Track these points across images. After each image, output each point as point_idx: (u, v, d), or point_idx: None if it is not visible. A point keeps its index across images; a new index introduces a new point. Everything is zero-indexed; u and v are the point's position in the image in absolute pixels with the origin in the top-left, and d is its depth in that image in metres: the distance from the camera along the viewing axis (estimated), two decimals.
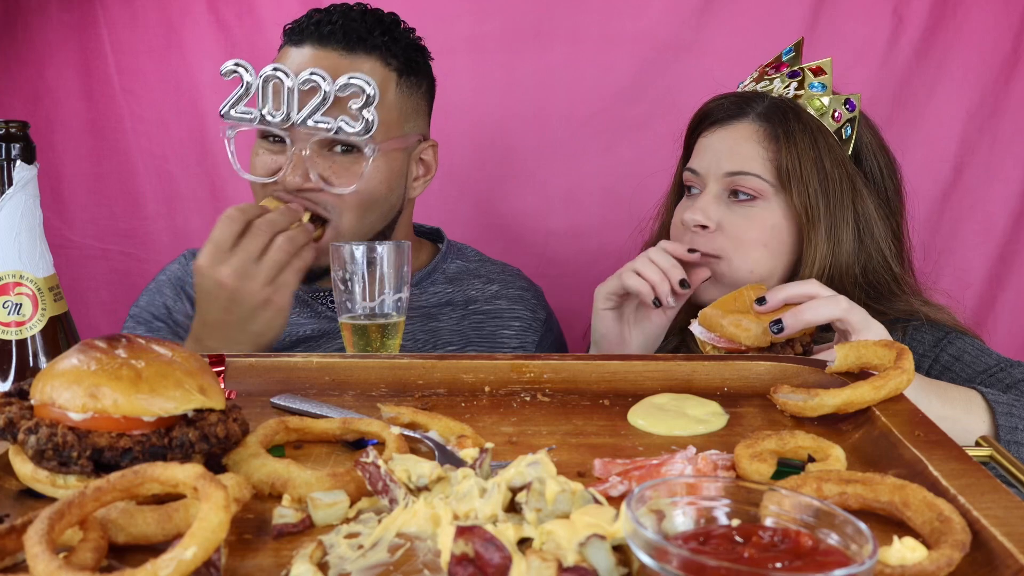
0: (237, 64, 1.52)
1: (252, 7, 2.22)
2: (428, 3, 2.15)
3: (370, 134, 1.53)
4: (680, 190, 1.73)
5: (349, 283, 1.38)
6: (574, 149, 2.25)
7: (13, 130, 1.09)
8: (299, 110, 1.52)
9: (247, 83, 1.52)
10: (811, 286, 1.28)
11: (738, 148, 1.58)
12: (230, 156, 1.63)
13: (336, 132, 1.52)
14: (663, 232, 1.74)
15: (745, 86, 1.71)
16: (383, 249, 1.38)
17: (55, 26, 2.21)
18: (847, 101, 1.62)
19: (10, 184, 1.08)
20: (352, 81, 1.51)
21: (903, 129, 2.16)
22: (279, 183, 1.60)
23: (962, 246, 2.19)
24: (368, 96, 1.51)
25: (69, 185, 2.27)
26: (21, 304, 1.08)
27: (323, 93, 1.51)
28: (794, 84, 1.63)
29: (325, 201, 1.61)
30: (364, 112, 1.52)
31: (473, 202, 2.30)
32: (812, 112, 1.60)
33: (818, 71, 1.64)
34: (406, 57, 1.69)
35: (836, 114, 1.61)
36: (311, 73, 1.51)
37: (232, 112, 1.54)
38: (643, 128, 2.21)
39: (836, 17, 2.15)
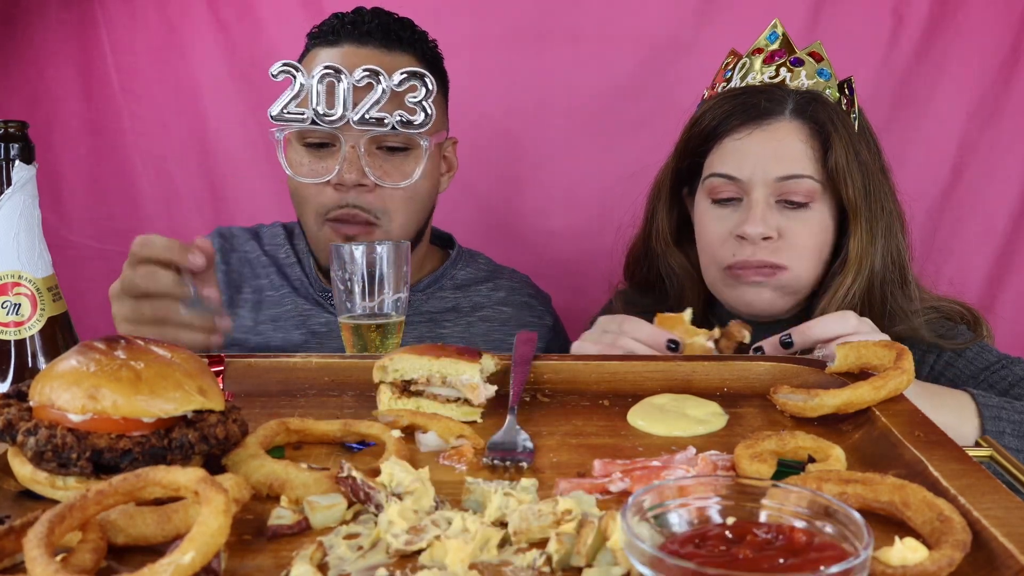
0: (287, 65, 1.51)
1: (252, 7, 2.22)
2: (429, 2, 2.15)
3: (428, 127, 1.55)
4: (674, 196, 1.67)
5: (348, 283, 1.38)
6: (574, 149, 2.25)
7: (12, 130, 1.09)
8: (354, 107, 1.53)
9: (300, 84, 1.51)
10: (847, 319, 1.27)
11: (784, 150, 1.48)
12: (281, 159, 1.64)
13: (395, 126, 1.53)
14: (649, 240, 1.70)
15: (736, 78, 1.60)
16: (382, 249, 1.38)
17: (55, 26, 2.21)
18: (848, 85, 1.58)
19: (8, 184, 1.08)
20: (411, 75, 1.52)
21: (903, 129, 2.16)
22: (339, 182, 1.60)
23: (962, 246, 2.19)
24: (428, 89, 1.52)
25: (68, 185, 2.27)
26: (20, 304, 1.08)
27: (381, 88, 1.52)
28: (804, 74, 1.55)
29: (374, 205, 1.63)
30: (425, 104, 1.53)
31: (473, 202, 2.29)
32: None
33: (817, 56, 1.57)
34: (432, 55, 1.74)
35: (843, 100, 1.56)
36: (365, 70, 1.51)
37: (285, 113, 1.53)
38: (643, 128, 2.21)
39: (836, 17, 2.15)
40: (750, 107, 1.52)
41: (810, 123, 1.50)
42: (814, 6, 2.14)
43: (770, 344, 1.27)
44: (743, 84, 1.58)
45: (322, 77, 1.51)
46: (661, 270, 1.70)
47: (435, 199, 1.78)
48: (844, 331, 1.23)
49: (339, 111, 1.52)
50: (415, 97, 1.53)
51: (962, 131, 2.15)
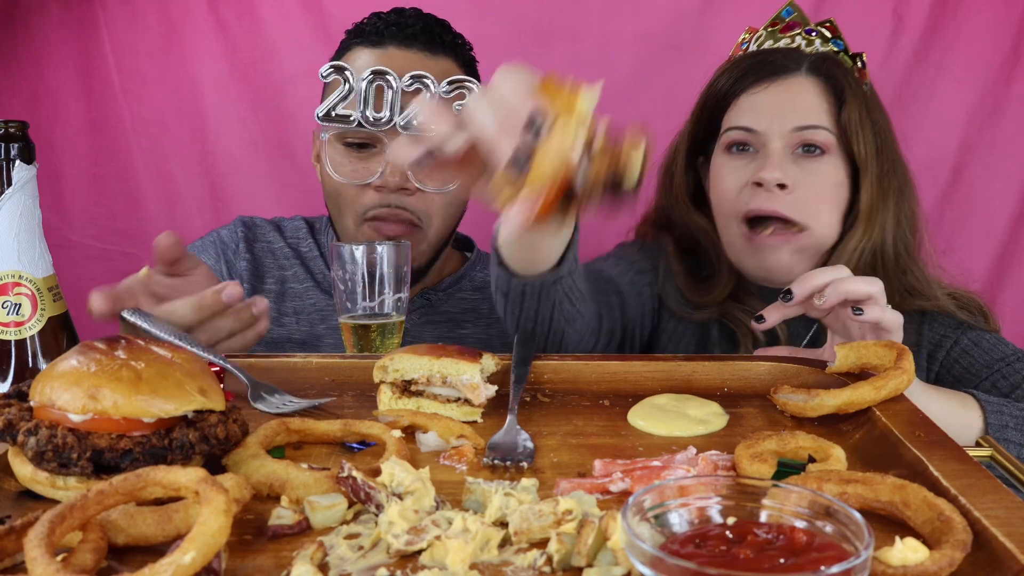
0: (334, 66, 1.51)
1: (252, 7, 2.22)
2: (428, 3, 2.15)
3: None
4: (689, 164, 1.68)
5: (349, 283, 1.38)
6: None
7: (12, 130, 1.09)
8: (401, 111, 1.53)
9: (350, 86, 1.51)
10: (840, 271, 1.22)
11: (800, 103, 1.53)
12: (325, 159, 1.64)
13: None
14: (669, 199, 1.70)
15: (752, 47, 1.65)
16: (383, 249, 1.38)
17: (55, 26, 2.21)
18: (860, 58, 1.62)
19: (9, 184, 1.08)
20: (460, 82, 1.53)
21: (903, 129, 2.15)
22: (382, 184, 1.61)
23: (962, 246, 2.18)
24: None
25: (69, 185, 2.27)
26: (20, 304, 1.08)
27: (429, 95, 1.52)
28: (818, 41, 1.61)
29: (416, 207, 1.64)
30: None
31: (473, 200, 2.30)
32: None
33: (832, 30, 1.63)
34: (469, 58, 1.76)
35: (855, 70, 1.61)
36: (413, 76, 1.51)
37: (332, 114, 1.53)
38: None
39: (836, 17, 2.14)
40: (767, 64, 1.58)
41: (825, 79, 1.55)
42: (814, 6, 2.14)
43: (771, 308, 1.23)
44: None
45: (371, 80, 1.51)
46: (692, 229, 1.69)
47: (467, 203, 1.79)
48: (840, 274, 1.18)
49: (386, 115, 1.53)
50: (460, 105, 1.54)
51: (962, 131, 2.15)
